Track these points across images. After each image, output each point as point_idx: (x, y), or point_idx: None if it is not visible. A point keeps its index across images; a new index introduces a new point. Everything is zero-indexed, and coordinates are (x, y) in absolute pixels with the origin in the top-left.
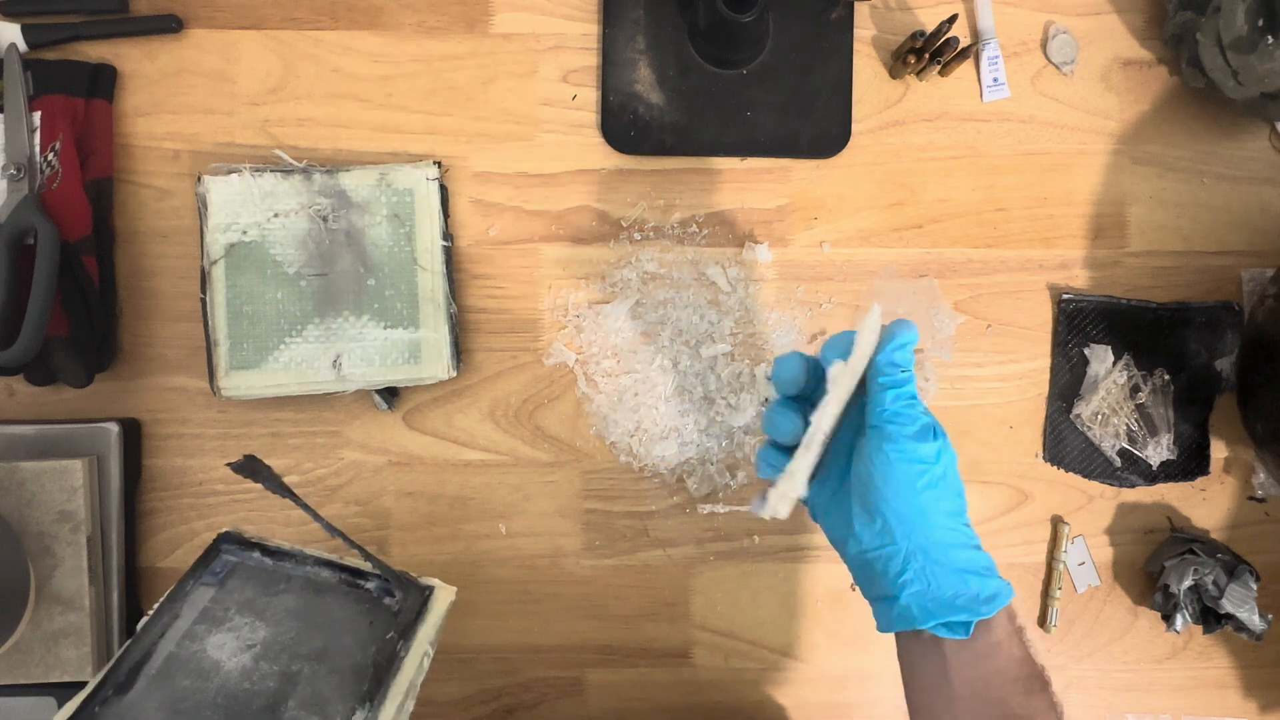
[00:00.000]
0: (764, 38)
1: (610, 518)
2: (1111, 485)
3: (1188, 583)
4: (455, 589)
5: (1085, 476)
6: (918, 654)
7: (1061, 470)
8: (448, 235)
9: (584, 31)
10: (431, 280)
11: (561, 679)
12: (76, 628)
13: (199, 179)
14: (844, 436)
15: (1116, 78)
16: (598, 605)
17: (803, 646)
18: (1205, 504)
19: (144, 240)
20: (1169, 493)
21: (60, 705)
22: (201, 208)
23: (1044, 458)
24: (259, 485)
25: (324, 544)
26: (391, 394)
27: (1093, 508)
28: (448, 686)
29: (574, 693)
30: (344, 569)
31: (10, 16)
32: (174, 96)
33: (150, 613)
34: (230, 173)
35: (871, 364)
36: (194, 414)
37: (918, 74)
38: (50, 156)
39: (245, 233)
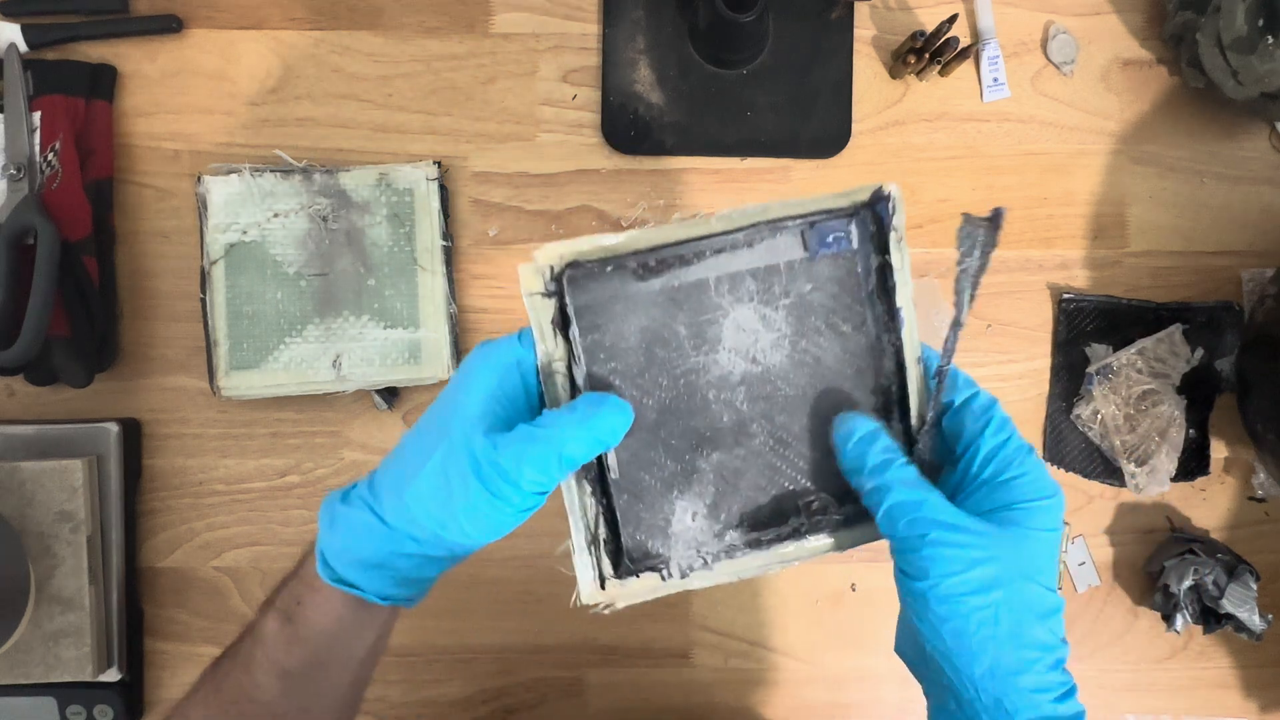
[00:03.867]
0: (764, 38)
1: None
2: (1111, 485)
3: (1188, 583)
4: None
5: (1085, 476)
6: None
7: (1061, 470)
8: (448, 235)
9: (584, 31)
10: (431, 280)
11: (561, 679)
12: (76, 628)
13: (199, 179)
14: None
15: (1116, 78)
16: None
17: (803, 647)
18: (1205, 504)
19: (144, 240)
20: (1169, 493)
21: (60, 705)
22: (201, 208)
23: (1044, 458)
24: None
25: None
26: (391, 394)
27: (1093, 508)
28: (448, 686)
29: (574, 693)
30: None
31: (10, 16)
32: (174, 96)
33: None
34: (230, 173)
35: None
36: (194, 414)
37: (918, 74)
38: (50, 156)
39: (245, 233)
